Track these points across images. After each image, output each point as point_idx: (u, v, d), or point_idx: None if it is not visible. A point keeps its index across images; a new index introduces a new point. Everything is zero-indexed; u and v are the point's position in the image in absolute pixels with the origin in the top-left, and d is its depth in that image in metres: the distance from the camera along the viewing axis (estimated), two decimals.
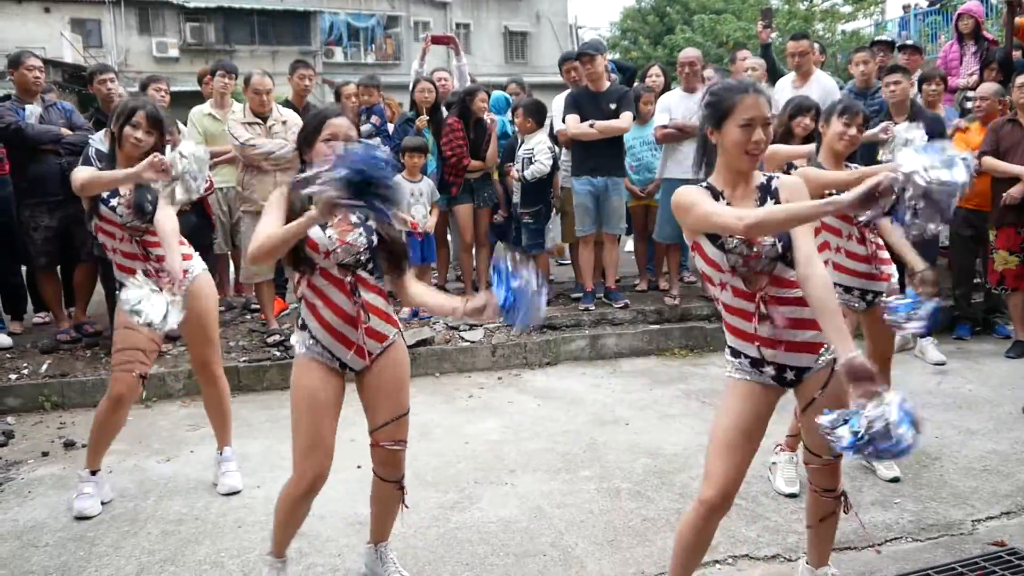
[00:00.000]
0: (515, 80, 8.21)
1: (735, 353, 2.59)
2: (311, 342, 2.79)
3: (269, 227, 2.61)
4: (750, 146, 2.41)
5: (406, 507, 2.98)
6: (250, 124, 5.92)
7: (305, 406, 2.77)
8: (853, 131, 3.59)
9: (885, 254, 3.77)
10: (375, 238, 2.78)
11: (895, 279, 3.78)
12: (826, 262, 3.66)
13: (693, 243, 2.54)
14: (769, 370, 2.54)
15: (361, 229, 2.77)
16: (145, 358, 3.69)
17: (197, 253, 3.88)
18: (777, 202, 2.47)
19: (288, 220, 2.63)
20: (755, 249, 2.42)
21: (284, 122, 6.00)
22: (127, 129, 3.56)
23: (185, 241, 3.80)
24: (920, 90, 6.54)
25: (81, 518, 3.65)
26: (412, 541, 3.38)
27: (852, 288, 3.74)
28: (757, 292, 2.47)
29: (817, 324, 2.43)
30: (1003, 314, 6.50)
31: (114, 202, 3.59)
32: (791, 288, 2.47)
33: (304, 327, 2.80)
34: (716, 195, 2.47)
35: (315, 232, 2.70)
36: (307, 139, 2.79)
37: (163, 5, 28.47)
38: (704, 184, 2.52)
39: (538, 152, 6.45)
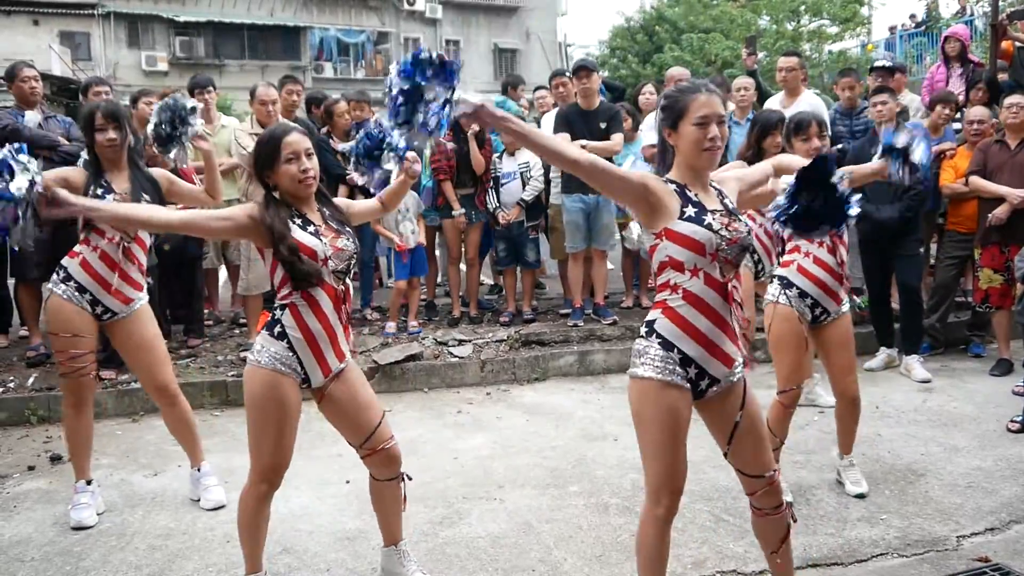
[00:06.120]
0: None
1: (667, 346, 2.54)
2: (287, 354, 2.78)
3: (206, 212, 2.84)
4: (706, 143, 2.46)
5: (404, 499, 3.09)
6: (257, 135, 5.92)
7: (273, 410, 2.80)
8: (815, 142, 3.77)
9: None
10: (356, 243, 2.88)
11: (846, 304, 3.79)
12: (790, 262, 3.76)
13: (661, 231, 2.48)
14: (692, 371, 2.54)
15: (348, 234, 2.84)
16: (92, 358, 3.77)
17: (146, 287, 3.89)
18: (726, 197, 2.59)
19: (260, 238, 2.76)
20: (732, 235, 2.47)
21: None
22: (97, 136, 3.66)
23: (142, 272, 3.82)
24: (931, 110, 6.64)
25: (78, 528, 3.65)
26: None
27: (807, 295, 3.70)
28: (728, 282, 2.49)
29: (735, 336, 2.54)
30: (982, 335, 6.57)
31: (109, 198, 3.62)
32: (738, 289, 2.55)
33: (282, 336, 2.78)
34: (682, 188, 2.51)
35: (311, 240, 2.76)
36: (267, 163, 2.82)
37: (153, 19, 28.48)
38: (666, 178, 2.54)
39: (535, 167, 6.54)
